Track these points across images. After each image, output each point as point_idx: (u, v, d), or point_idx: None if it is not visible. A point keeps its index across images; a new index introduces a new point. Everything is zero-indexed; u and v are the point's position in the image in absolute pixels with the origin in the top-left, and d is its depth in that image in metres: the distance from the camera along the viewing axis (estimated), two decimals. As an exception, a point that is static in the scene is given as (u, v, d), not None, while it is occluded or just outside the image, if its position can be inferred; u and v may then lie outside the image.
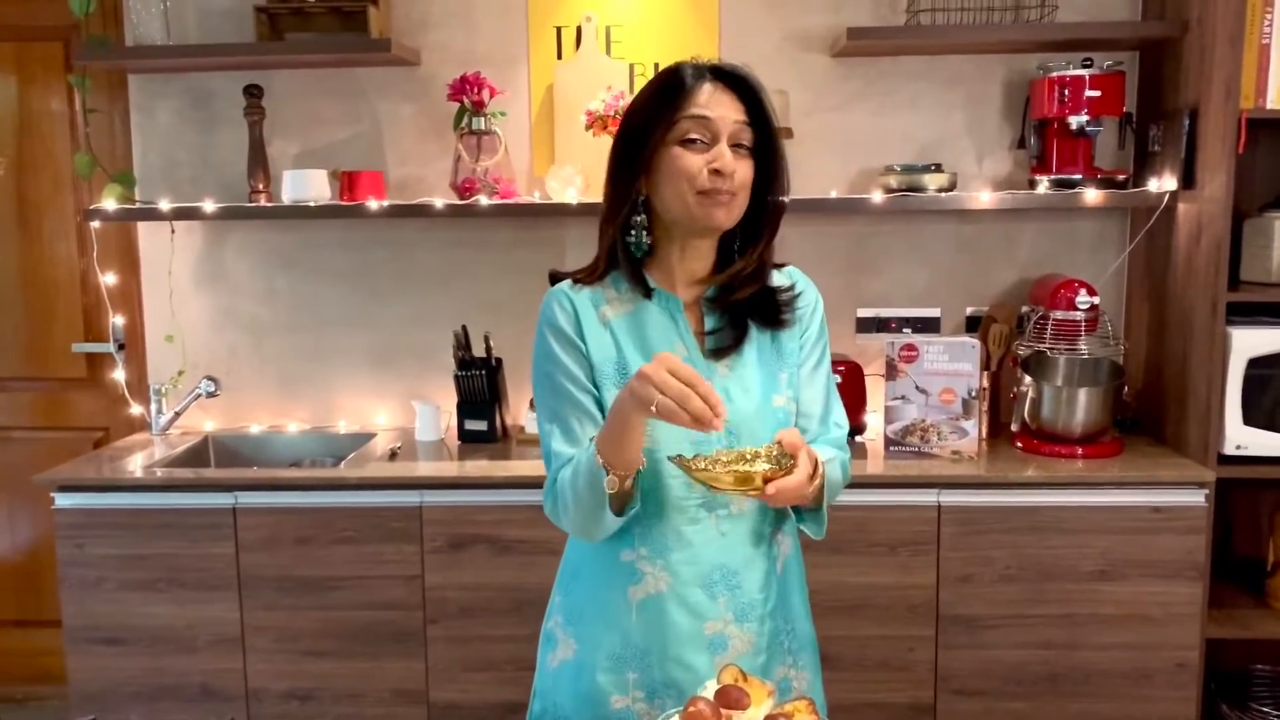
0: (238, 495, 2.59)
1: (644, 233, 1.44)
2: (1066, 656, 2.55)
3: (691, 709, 1.10)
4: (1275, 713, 2.65)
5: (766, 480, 1.27)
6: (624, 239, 1.44)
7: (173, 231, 3.05)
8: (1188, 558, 2.50)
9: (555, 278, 1.52)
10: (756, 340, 1.48)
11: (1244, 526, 2.87)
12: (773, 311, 1.49)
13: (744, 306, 1.47)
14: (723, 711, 1.12)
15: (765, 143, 1.42)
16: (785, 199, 1.47)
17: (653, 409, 1.22)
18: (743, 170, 1.40)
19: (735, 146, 1.39)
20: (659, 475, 1.40)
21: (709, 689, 1.21)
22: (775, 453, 1.31)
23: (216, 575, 2.62)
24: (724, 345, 1.46)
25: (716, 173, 1.37)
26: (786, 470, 1.28)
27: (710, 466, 1.28)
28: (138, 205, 2.96)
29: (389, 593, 2.61)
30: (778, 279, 1.51)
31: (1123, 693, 2.55)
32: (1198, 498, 2.48)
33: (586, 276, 1.49)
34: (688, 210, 1.40)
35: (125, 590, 2.63)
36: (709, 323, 1.48)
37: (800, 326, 1.51)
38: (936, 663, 2.57)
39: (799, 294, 1.51)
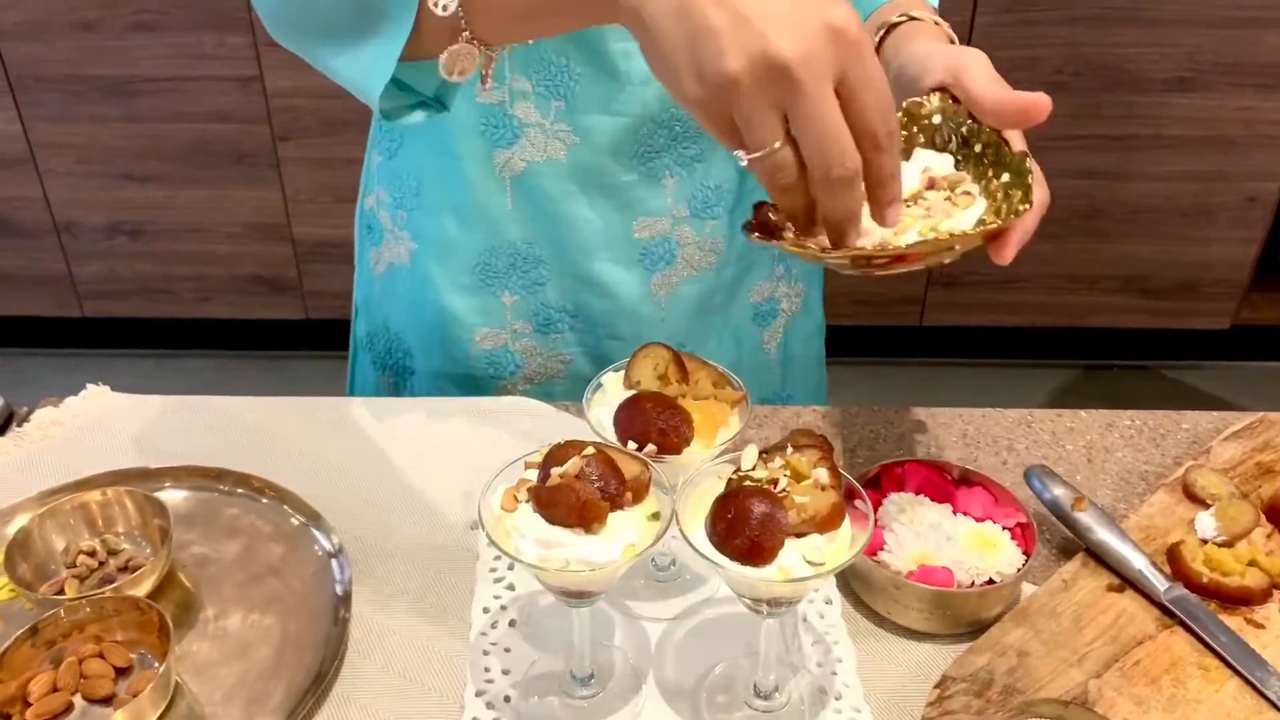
0: (-22, -42, 1.81)
1: None
2: (1113, 189, 1.98)
3: (561, 474, 0.50)
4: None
5: (990, 237, 0.52)
6: None
7: None
8: (1298, 60, 1.85)
9: None
10: None
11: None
12: None
13: None
14: (632, 458, 0.53)
15: None
16: None
17: (745, 156, 0.48)
18: None
19: None
20: None
21: (606, 388, 0.61)
22: (956, 124, 0.56)
23: (-23, 74, 1.92)
24: None
25: None
26: (1020, 196, 0.53)
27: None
28: None
29: (219, 100, 1.93)
30: None
31: (1173, 232, 2.03)
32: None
33: None
34: None
35: None
36: None
37: None
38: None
39: None
